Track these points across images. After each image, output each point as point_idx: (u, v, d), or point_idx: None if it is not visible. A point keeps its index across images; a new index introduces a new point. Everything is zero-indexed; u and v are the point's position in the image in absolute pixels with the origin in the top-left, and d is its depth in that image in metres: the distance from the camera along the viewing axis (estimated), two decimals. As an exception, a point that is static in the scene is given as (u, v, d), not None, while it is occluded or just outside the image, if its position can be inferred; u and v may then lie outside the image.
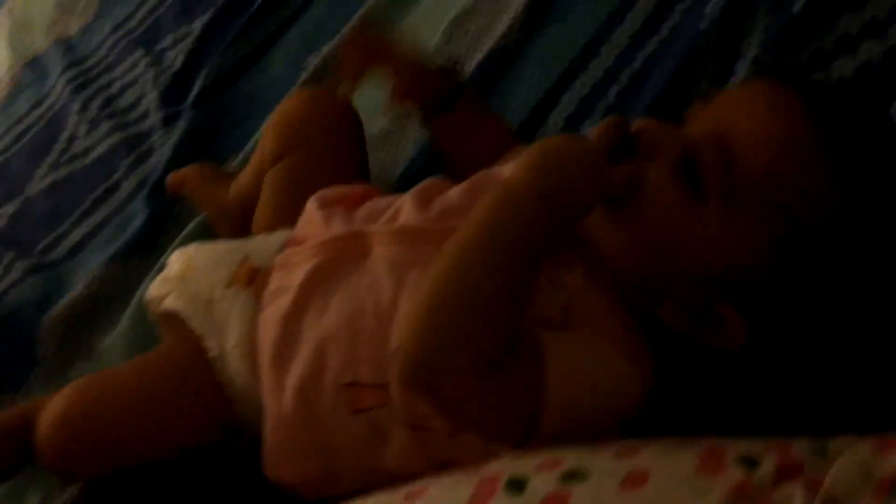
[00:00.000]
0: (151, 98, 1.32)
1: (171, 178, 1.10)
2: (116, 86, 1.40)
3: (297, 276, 0.74)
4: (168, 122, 1.26)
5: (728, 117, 0.62)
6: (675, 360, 0.65)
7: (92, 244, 1.17)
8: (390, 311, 0.68)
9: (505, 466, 0.55)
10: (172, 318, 0.83)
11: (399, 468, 0.67)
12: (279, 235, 0.83)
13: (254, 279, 0.79)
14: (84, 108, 1.40)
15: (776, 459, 0.49)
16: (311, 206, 0.82)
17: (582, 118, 0.92)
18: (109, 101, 1.39)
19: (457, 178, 0.84)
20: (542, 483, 0.52)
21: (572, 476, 0.51)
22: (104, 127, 1.34)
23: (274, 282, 0.77)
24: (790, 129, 0.60)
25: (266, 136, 0.96)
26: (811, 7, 0.84)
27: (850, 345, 0.63)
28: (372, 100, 1.11)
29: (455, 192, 0.75)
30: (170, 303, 0.82)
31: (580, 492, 0.50)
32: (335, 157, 0.92)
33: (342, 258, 0.73)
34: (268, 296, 0.77)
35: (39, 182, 1.34)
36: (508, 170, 0.76)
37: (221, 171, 1.10)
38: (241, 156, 1.14)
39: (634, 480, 0.50)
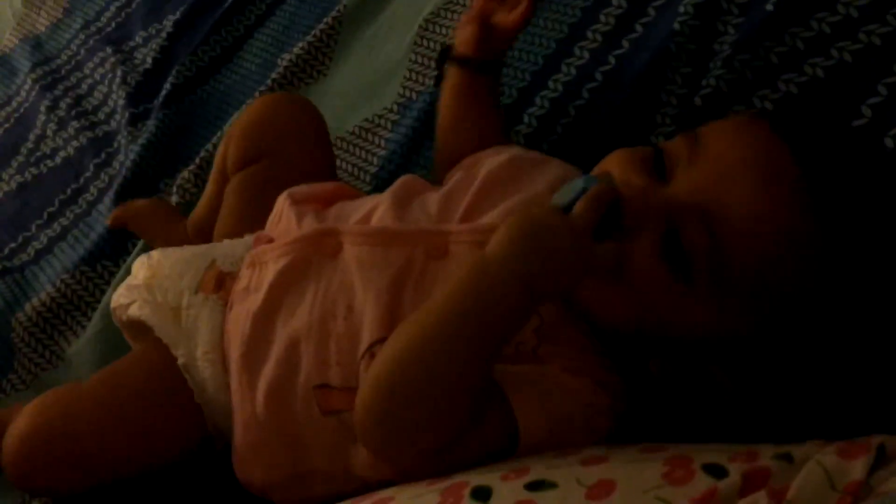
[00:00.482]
0: (119, 97, 1.29)
1: (117, 212, 1.09)
2: (85, 85, 1.38)
3: (268, 274, 0.73)
4: (136, 121, 1.24)
5: (716, 190, 0.58)
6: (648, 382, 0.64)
7: (59, 246, 1.15)
8: (360, 315, 0.67)
9: (470, 476, 0.54)
10: (139, 326, 0.81)
11: (369, 473, 0.66)
12: (247, 240, 0.82)
13: (222, 284, 0.79)
14: (53, 107, 1.38)
15: (742, 468, 0.48)
16: (283, 202, 0.80)
17: (556, 117, 0.92)
18: (78, 100, 1.37)
19: (441, 148, 0.86)
20: (507, 492, 0.51)
21: (539, 485, 0.51)
22: (72, 127, 1.32)
23: (243, 280, 0.76)
24: (783, 217, 0.57)
25: (229, 144, 0.93)
26: (784, 6, 0.83)
27: (822, 360, 0.63)
28: (344, 98, 1.10)
29: (434, 198, 0.74)
30: (135, 311, 0.81)
31: (545, 500, 0.49)
32: (302, 161, 0.90)
33: (312, 257, 0.72)
34: (236, 294, 0.76)
35: (7, 183, 1.32)
36: (488, 165, 0.75)
37: (174, 207, 1.08)
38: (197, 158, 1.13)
39: (601, 490, 0.49)
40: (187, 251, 0.84)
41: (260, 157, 0.90)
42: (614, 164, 0.65)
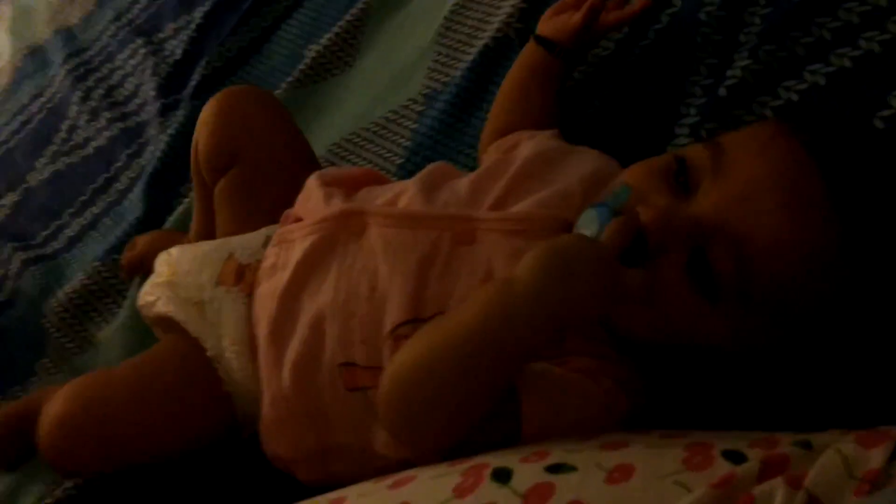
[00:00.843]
0: (150, 88, 1.31)
1: (126, 259, 1.06)
2: (117, 75, 1.41)
3: (295, 252, 0.75)
4: (166, 111, 1.26)
5: (743, 210, 0.57)
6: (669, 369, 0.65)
7: (90, 235, 1.18)
8: (384, 296, 0.69)
9: (490, 457, 0.55)
10: (167, 322, 0.83)
11: (389, 451, 0.68)
12: (262, 232, 0.83)
13: (241, 276, 0.80)
14: (85, 98, 1.40)
15: (761, 454, 0.49)
16: (313, 183, 0.82)
17: (583, 107, 0.92)
18: (110, 90, 1.39)
19: (495, 116, 0.88)
20: (527, 474, 0.52)
21: (558, 468, 0.51)
22: (104, 117, 1.35)
23: (270, 257, 0.78)
24: (811, 241, 0.57)
25: (198, 150, 0.92)
26: (810, -4, 0.82)
27: (844, 354, 0.62)
28: (370, 90, 1.11)
29: (464, 183, 0.74)
30: (161, 308, 0.82)
31: (565, 483, 0.50)
32: (278, 154, 0.90)
33: (338, 236, 0.73)
34: (263, 271, 0.78)
35: (41, 172, 1.34)
36: (524, 151, 0.76)
37: (176, 232, 1.08)
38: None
39: (620, 474, 0.50)
40: (204, 246, 0.86)
41: (235, 161, 0.89)
42: (634, 179, 0.64)
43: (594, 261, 0.57)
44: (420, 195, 0.73)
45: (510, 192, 0.72)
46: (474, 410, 0.60)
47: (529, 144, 0.78)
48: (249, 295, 0.78)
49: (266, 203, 0.85)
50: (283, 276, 0.74)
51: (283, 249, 0.77)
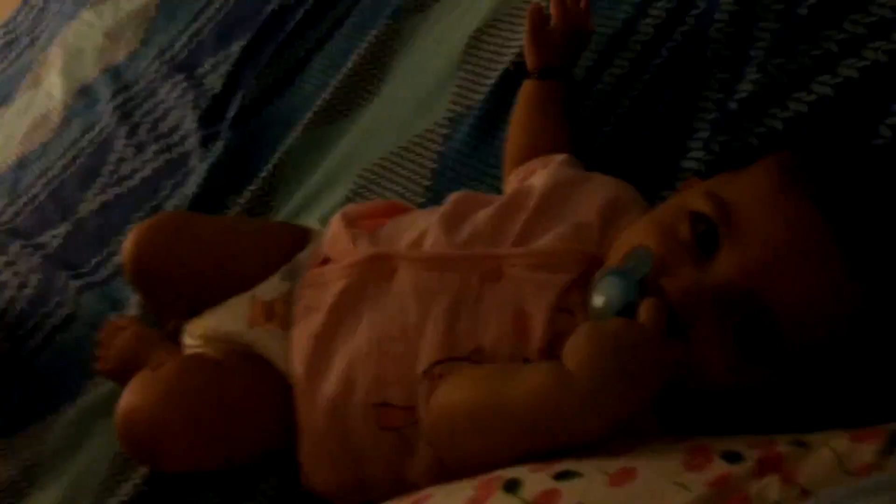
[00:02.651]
0: (191, 120, 1.37)
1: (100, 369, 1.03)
2: (160, 109, 1.47)
3: (328, 296, 0.78)
4: (206, 142, 1.32)
5: (765, 276, 0.58)
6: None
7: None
8: (417, 336, 0.71)
9: (503, 471, 0.57)
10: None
11: (423, 480, 0.70)
12: (276, 275, 0.86)
13: (272, 312, 0.83)
14: (131, 132, 1.47)
15: (758, 454, 0.51)
16: (337, 224, 0.85)
17: (598, 126, 0.94)
18: (155, 124, 1.45)
19: (509, 147, 0.93)
20: (536, 482, 0.54)
21: (565, 475, 0.54)
22: (150, 149, 1.41)
23: (304, 300, 0.80)
24: (834, 302, 0.58)
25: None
26: (817, 9, 0.84)
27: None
28: (396, 115, 1.15)
29: (484, 216, 0.77)
30: (211, 353, 0.85)
31: (571, 488, 0.52)
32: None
33: (368, 281, 0.76)
34: (299, 311, 0.80)
35: (91, 203, 1.41)
36: (538, 183, 0.79)
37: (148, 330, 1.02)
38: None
39: (623, 477, 0.52)
40: (224, 304, 0.87)
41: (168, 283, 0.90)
42: (650, 242, 0.63)
43: (648, 350, 0.56)
44: (443, 234, 0.76)
45: (530, 226, 0.75)
46: (512, 462, 0.60)
47: (543, 174, 0.81)
48: (285, 329, 0.81)
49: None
50: (318, 319, 0.77)
51: (315, 291, 0.80)
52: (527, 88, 0.95)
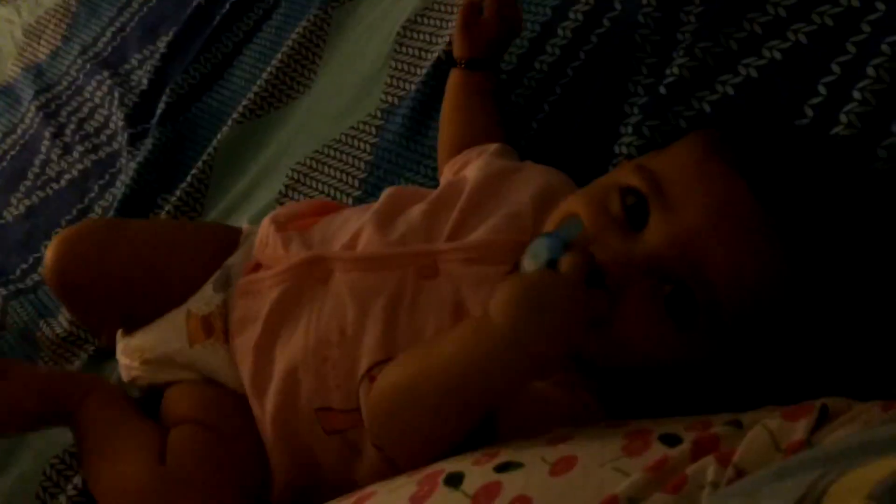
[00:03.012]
0: (118, 118, 1.34)
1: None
2: (86, 108, 1.42)
3: (263, 304, 0.76)
4: (134, 141, 1.28)
5: (694, 241, 0.58)
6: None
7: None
8: (355, 339, 0.70)
9: (445, 464, 0.57)
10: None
11: (372, 482, 0.69)
12: (207, 285, 0.83)
13: (210, 327, 0.80)
14: (57, 132, 1.42)
15: (694, 436, 0.51)
16: (268, 228, 0.83)
17: (531, 113, 0.95)
18: (80, 123, 1.41)
19: (441, 139, 0.92)
20: (477, 475, 0.54)
21: (506, 466, 0.54)
22: (76, 150, 1.37)
23: (239, 309, 0.79)
24: (760, 259, 0.58)
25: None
26: (742, -9, 0.85)
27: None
28: (329, 109, 1.14)
29: (417, 212, 0.76)
30: (154, 379, 0.83)
31: (511, 480, 0.52)
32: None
33: (304, 285, 0.75)
34: (234, 324, 0.79)
35: (16, 207, 1.36)
36: (471, 175, 0.78)
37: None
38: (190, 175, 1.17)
39: (563, 465, 0.52)
40: (161, 321, 0.84)
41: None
42: (581, 212, 0.64)
43: (564, 293, 0.57)
44: (377, 233, 0.75)
45: (463, 220, 0.74)
46: (454, 435, 0.61)
47: (475, 166, 0.81)
48: (226, 342, 0.79)
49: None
50: (256, 329, 0.76)
51: (249, 300, 0.78)
52: (455, 79, 0.94)
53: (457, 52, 0.94)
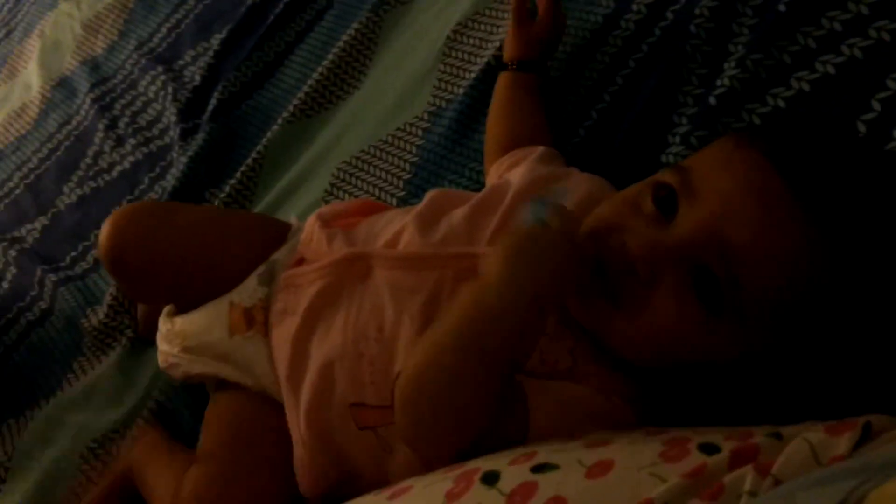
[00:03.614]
0: (171, 113, 1.36)
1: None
2: (139, 102, 1.46)
3: (304, 297, 0.77)
4: (186, 136, 1.31)
5: (722, 227, 0.59)
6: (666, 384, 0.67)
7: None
8: (393, 336, 0.71)
9: (482, 462, 0.57)
10: (197, 376, 0.86)
11: (406, 476, 0.70)
12: (252, 278, 0.84)
13: (252, 319, 0.82)
14: (110, 125, 1.45)
15: (733, 445, 0.51)
16: (313, 225, 0.84)
17: (578, 121, 0.95)
18: (133, 117, 1.44)
19: (488, 139, 0.93)
20: (514, 475, 0.54)
21: (542, 467, 0.54)
22: (128, 143, 1.40)
23: (280, 302, 0.80)
24: (789, 244, 0.58)
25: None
26: (796, 6, 0.85)
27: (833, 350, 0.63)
28: (376, 110, 1.15)
29: (459, 215, 0.77)
30: (188, 369, 0.85)
31: (547, 481, 0.52)
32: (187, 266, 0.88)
33: (344, 281, 0.76)
34: (274, 315, 0.80)
35: (68, 197, 1.40)
36: (514, 180, 0.79)
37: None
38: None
39: (599, 469, 0.52)
40: (204, 309, 0.86)
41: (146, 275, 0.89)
42: (612, 212, 0.66)
43: (551, 241, 0.61)
44: (418, 233, 0.76)
45: (504, 225, 0.74)
46: (478, 408, 0.62)
47: (520, 171, 0.81)
48: (266, 335, 0.81)
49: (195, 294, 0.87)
50: (294, 322, 0.77)
51: (291, 294, 0.79)
52: (504, 81, 0.95)
53: (509, 52, 0.95)
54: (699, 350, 0.62)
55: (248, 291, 0.84)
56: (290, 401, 0.77)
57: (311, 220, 0.85)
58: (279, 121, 1.21)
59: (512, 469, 0.55)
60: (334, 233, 0.81)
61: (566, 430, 0.61)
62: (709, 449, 0.52)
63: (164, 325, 0.90)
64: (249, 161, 1.19)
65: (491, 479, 0.55)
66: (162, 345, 0.89)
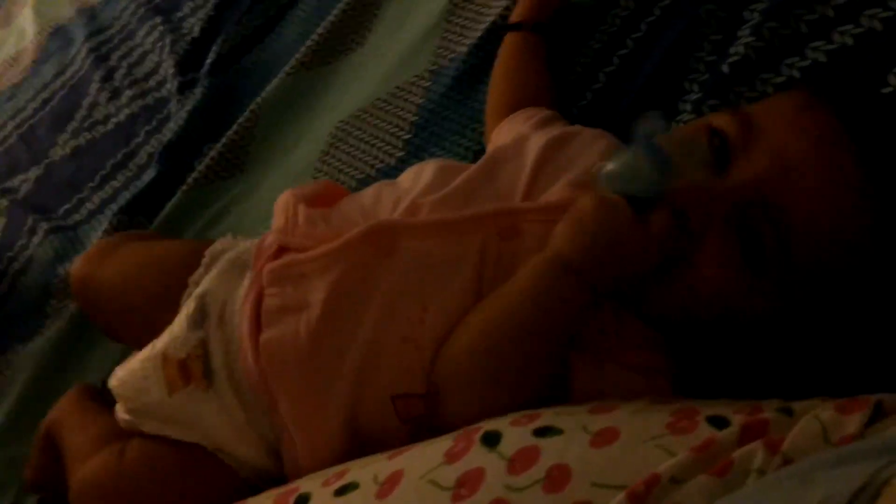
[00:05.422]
0: (169, 65, 1.34)
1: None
2: (136, 53, 1.43)
3: (317, 288, 0.68)
4: (184, 89, 1.28)
5: (781, 183, 0.58)
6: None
7: (110, 207, 1.21)
8: (443, 312, 0.65)
9: (482, 423, 0.56)
10: None
11: None
12: (180, 316, 0.75)
13: (188, 373, 0.72)
14: (107, 76, 1.43)
15: (743, 420, 0.50)
16: (299, 206, 0.75)
17: (587, 83, 0.93)
18: (130, 68, 1.42)
19: (492, 100, 0.92)
20: (515, 437, 0.53)
21: (545, 431, 0.53)
22: (125, 94, 1.37)
23: (274, 298, 0.69)
24: (848, 211, 0.57)
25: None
26: (814, -27, 0.82)
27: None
28: (379, 67, 1.13)
29: (476, 176, 0.73)
30: (146, 429, 0.76)
31: (550, 446, 0.51)
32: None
33: (367, 260, 0.68)
34: (268, 316, 0.69)
35: (63, 148, 1.37)
36: (534, 143, 0.75)
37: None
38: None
39: (604, 437, 0.51)
40: (133, 363, 0.78)
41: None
42: (672, 146, 0.63)
43: (621, 225, 0.60)
44: (440, 200, 0.70)
45: (536, 180, 0.71)
46: (532, 389, 0.61)
47: (537, 136, 0.77)
48: (208, 387, 0.71)
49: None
50: (311, 317, 0.67)
51: (291, 287, 0.69)
52: (512, 41, 0.93)
53: (521, 13, 0.93)
54: (737, 310, 0.61)
55: (178, 340, 0.73)
56: (308, 407, 0.67)
57: (291, 202, 0.76)
58: (281, 74, 1.18)
59: (514, 430, 0.54)
60: (326, 213, 0.74)
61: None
62: (718, 422, 0.51)
63: (110, 382, 0.80)
64: (248, 114, 1.16)
65: (492, 440, 0.54)
66: (117, 411, 0.80)
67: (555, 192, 0.70)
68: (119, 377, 0.78)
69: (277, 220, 0.76)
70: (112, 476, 0.76)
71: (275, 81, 1.19)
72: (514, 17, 0.94)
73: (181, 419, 0.73)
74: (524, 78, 0.90)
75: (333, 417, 0.67)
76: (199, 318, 0.73)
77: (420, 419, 0.65)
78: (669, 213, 0.60)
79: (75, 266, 0.92)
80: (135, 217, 1.13)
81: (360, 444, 0.66)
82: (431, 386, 0.64)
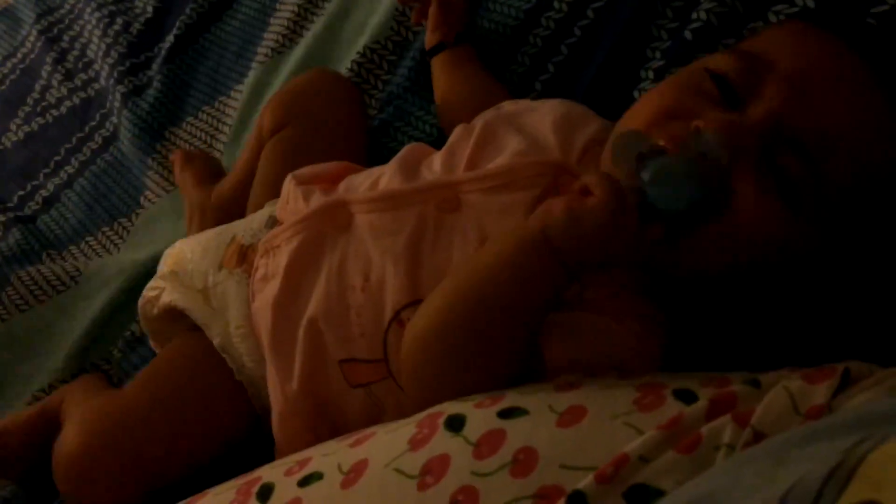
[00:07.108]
0: (121, 46, 1.30)
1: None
2: (87, 34, 1.39)
3: (282, 258, 0.73)
4: (136, 71, 1.25)
5: (802, 109, 0.56)
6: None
7: (65, 194, 1.18)
8: (380, 283, 0.67)
9: (446, 406, 0.55)
10: (170, 316, 0.82)
11: None
12: (265, 211, 0.82)
13: (244, 258, 0.78)
14: (59, 58, 1.39)
15: (711, 393, 0.49)
16: (289, 184, 0.80)
17: (548, 55, 0.91)
18: (83, 50, 1.37)
19: (442, 117, 0.90)
20: (480, 420, 0.52)
21: (510, 412, 0.52)
22: (78, 77, 1.34)
23: (260, 268, 0.75)
24: (874, 125, 0.57)
25: (265, 111, 0.95)
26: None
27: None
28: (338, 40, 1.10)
29: (437, 156, 0.73)
30: (166, 298, 0.80)
31: (516, 428, 0.50)
32: (333, 130, 0.92)
33: (324, 232, 0.71)
34: (256, 284, 0.75)
35: (15, 133, 1.34)
36: (484, 115, 0.75)
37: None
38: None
39: (571, 416, 0.50)
40: (208, 233, 0.85)
41: (290, 122, 0.92)
42: (670, 98, 0.61)
43: (603, 211, 0.55)
44: (398, 174, 0.72)
45: (480, 150, 0.71)
46: (503, 363, 0.58)
47: (490, 112, 0.77)
48: (251, 276, 0.76)
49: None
50: (275, 286, 0.72)
51: (270, 258, 0.74)
52: (442, 64, 0.93)
53: (437, 35, 0.94)
54: (777, 251, 0.59)
55: (252, 230, 0.80)
56: (277, 366, 0.71)
57: (287, 181, 0.80)
58: (252, 65, 1.15)
59: (478, 413, 0.53)
60: (311, 189, 0.77)
61: (584, 363, 0.58)
62: (685, 396, 0.50)
63: (167, 251, 0.87)
64: (211, 101, 1.13)
65: (455, 424, 0.52)
66: (157, 274, 0.85)
67: (499, 161, 0.68)
68: (182, 241, 0.86)
69: (280, 199, 0.81)
70: (114, 408, 0.79)
71: (251, 73, 1.15)
72: (431, 42, 0.94)
73: (214, 296, 0.78)
74: (469, 86, 0.89)
75: (296, 384, 0.70)
76: (272, 224, 0.79)
77: (368, 387, 0.68)
78: (664, 227, 0.57)
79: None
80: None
81: (322, 408, 0.70)
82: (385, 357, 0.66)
